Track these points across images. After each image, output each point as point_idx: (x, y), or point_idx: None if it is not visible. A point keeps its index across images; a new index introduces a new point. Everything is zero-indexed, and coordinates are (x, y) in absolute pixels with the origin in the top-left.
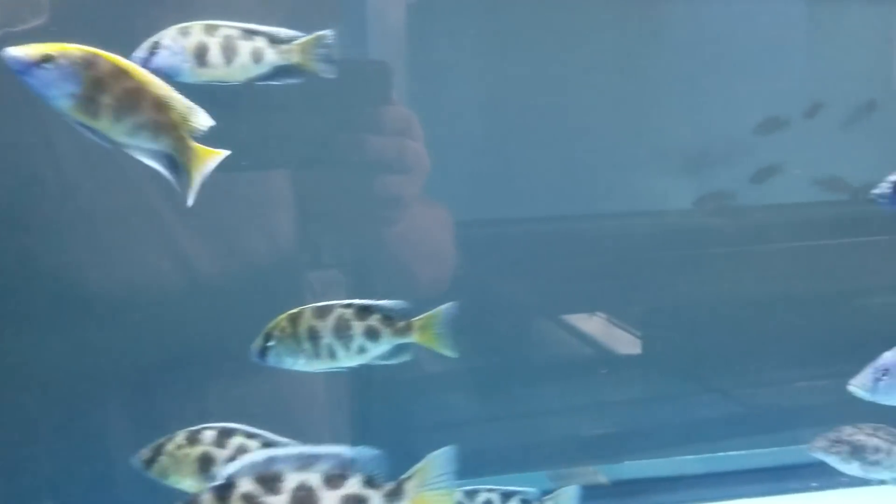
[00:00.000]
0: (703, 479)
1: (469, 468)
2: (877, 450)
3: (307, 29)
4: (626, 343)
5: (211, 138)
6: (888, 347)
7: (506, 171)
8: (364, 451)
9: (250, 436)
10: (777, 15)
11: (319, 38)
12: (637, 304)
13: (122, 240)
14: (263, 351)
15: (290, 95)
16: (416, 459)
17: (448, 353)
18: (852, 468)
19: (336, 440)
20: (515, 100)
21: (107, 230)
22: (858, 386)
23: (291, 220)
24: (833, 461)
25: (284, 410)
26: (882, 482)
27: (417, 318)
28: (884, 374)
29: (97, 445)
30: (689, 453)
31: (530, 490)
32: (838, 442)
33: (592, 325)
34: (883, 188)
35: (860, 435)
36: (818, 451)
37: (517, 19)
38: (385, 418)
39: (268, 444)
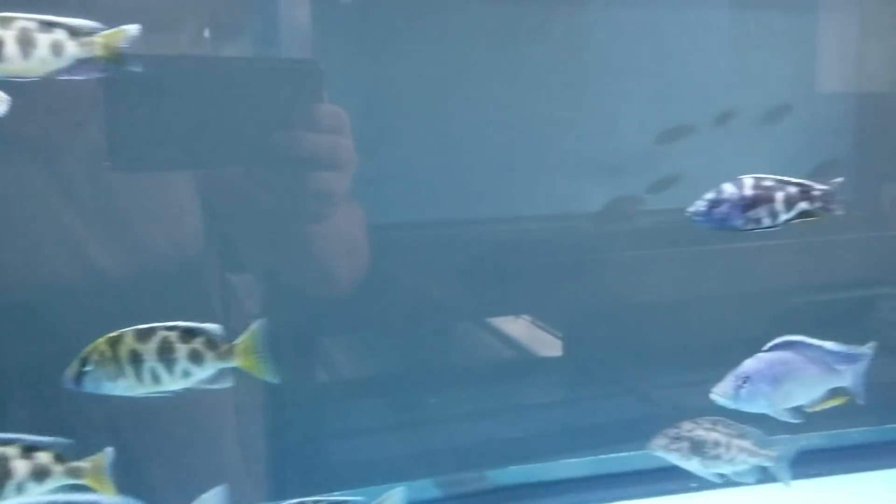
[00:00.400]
0: (584, 483)
1: (367, 477)
2: (716, 444)
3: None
4: (545, 345)
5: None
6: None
7: (422, 174)
8: (123, 501)
9: (5, 443)
10: (701, 22)
11: (123, 31)
12: (554, 307)
13: (21, 242)
14: (79, 376)
15: (223, 94)
16: (326, 468)
17: (269, 378)
18: (693, 464)
19: (244, 446)
20: (433, 104)
21: (4, 232)
22: (720, 394)
23: (202, 222)
24: (674, 458)
25: (191, 413)
26: (722, 477)
27: (238, 341)
28: (744, 382)
29: None
30: (586, 455)
31: (357, 499)
32: (678, 439)
33: (514, 327)
34: (699, 206)
35: (700, 430)
36: (658, 449)
37: (430, 22)
38: (296, 423)
39: (29, 448)
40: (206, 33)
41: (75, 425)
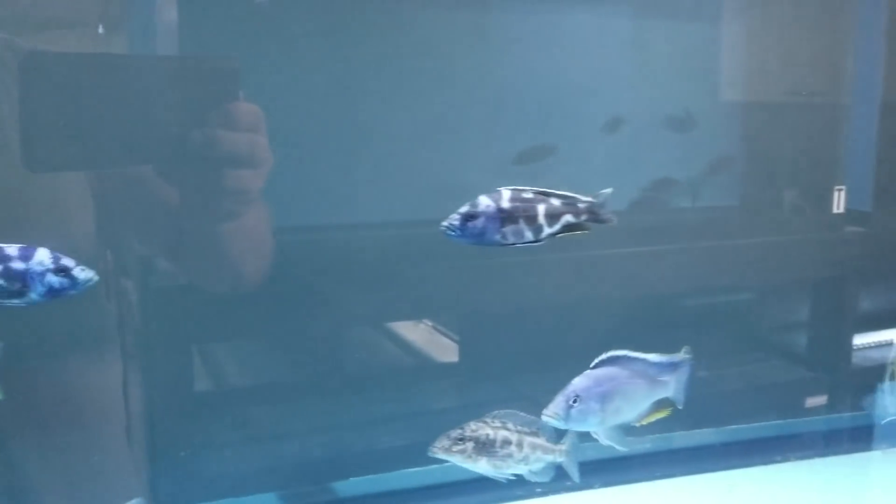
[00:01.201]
0: (433, 491)
1: (247, 485)
2: (506, 443)
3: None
4: (444, 350)
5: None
6: (704, 349)
7: (326, 176)
8: None
9: None
10: (603, 31)
11: None
12: (451, 312)
13: None
14: None
15: (140, 92)
16: (208, 478)
17: None
18: (481, 466)
19: (130, 448)
20: (336, 105)
21: None
22: (551, 415)
23: (96, 222)
24: (458, 461)
25: (79, 418)
26: (517, 477)
27: None
28: (574, 401)
29: None
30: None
31: None
32: (461, 440)
33: (415, 333)
34: (452, 220)
35: (486, 429)
36: (439, 451)
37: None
38: (180, 434)
39: None
40: (101, 30)
41: None
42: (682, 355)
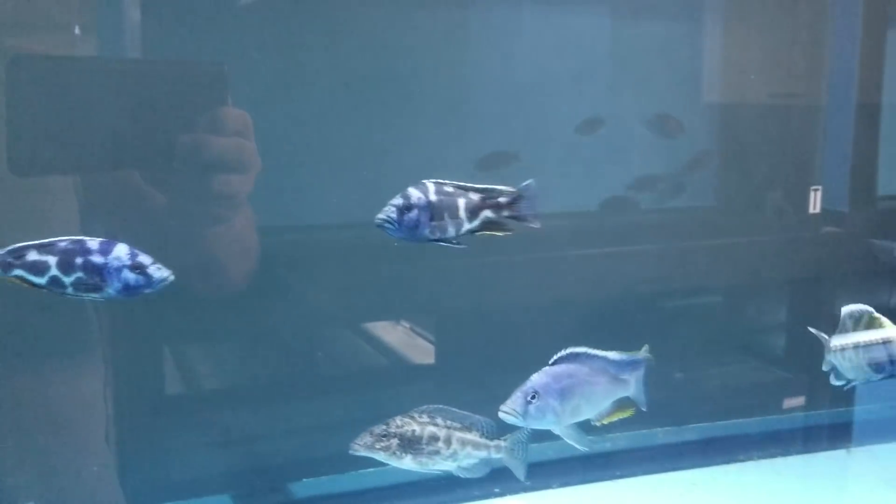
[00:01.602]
0: (385, 492)
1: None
2: (433, 439)
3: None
4: (420, 352)
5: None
6: (683, 350)
7: (299, 178)
8: None
9: None
10: (582, 31)
11: None
12: (428, 312)
13: None
14: None
15: (128, 97)
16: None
17: None
18: (407, 463)
19: (113, 451)
20: (313, 106)
21: None
22: (509, 411)
23: (79, 225)
24: (382, 458)
25: (56, 419)
26: (446, 473)
27: None
28: (532, 398)
29: None
30: None
31: None
32: (385, 436)
33: (392, 335)
34: (387, 213)
35: (413, 425)
36: (362, 448)
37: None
38: (157, 435)
39: None
40: (77, 30)
41: None
42: (642, 353)
